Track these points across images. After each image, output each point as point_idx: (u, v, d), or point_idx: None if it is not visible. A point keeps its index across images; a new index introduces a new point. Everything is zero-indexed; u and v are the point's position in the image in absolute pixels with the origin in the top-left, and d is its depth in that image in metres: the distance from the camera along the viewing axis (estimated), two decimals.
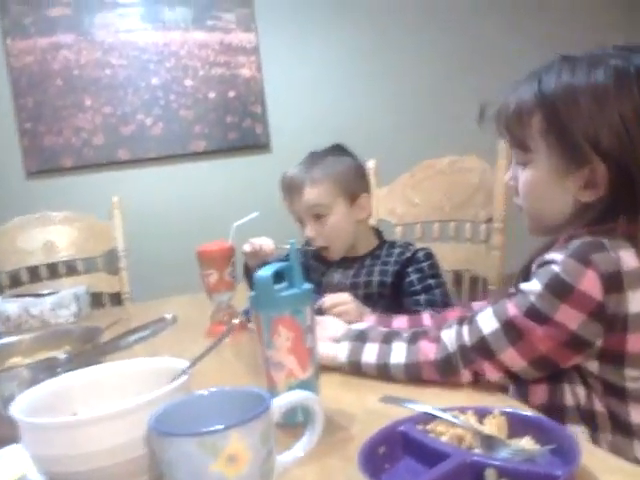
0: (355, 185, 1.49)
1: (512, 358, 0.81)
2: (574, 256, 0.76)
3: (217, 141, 2.57)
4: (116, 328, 1.10)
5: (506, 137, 0.90)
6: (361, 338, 0.95)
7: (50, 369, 0.92)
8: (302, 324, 0.79)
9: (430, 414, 0.70)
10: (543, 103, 0.83)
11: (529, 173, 0.88)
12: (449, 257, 1.81)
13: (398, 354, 0.90)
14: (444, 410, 0.70)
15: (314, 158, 1.49)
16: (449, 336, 0.87)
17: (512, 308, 0.81)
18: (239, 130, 2.58)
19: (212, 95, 2.56)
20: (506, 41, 2.71)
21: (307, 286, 0.82)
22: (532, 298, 0.79)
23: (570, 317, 0.76)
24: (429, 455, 0.64)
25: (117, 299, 2.20)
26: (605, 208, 0.81)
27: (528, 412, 0.70)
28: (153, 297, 1.97)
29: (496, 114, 0.89)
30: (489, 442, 0.64)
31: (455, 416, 0.69)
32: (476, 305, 1.12)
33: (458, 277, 1.85)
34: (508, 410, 0.69)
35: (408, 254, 1.44)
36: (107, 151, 2.48)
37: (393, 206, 1.98)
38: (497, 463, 0.58)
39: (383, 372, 0.91)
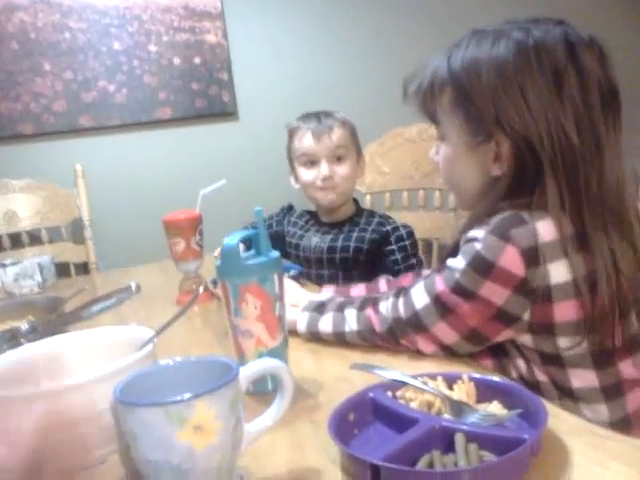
0: (359, 143, 1.58)
1: (444, 332, 0.83)
2: (494, 232, 0.77)
3: (183, 108, 2.51)
4: (81, 298, 1.08)
5: (423, 113, 0.91)
6: (319, 309, 0.96)
7: (13, 339, 0.90)
8: (270, 292, 0.78)
9: (399, 380, 0.71)
10: (451, 77, 0.84)
11: (444, 148, 0.90)
12: (418, 226, 1.81)
13: (351, 321, 0.92)
14: (413, 376, 0.70)
15: (323, 111, 1.54)
16: (386, 308, 0.89)
17: (440, 284, 0.82)
18: (205, 97, 2.52)
19: (177, 61, 2.49)
20: (474, 12, 2.68)
21: (275, 254, 0.81)
22: (457, 275, 0.80)
23: (494, 293, 0.77)
24: (399, 421, 0.64)
25: (84, 269, 2.16)
26: (513, 181, 0.82)
27: (496, 378, 0.71)
28: (121, 266, 1.94)
29: (415, 90, 0.90)
30: (458, 408, 0.65)
31: (424, 382, 0.69)
32: (426, 274, 1.13)
33: (427, 246, 1.86)
34: (477, 376, 0.70)
35: (389, 227, 1.48)
36: (69, 118, 2.40)
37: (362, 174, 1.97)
38: (466, 428, 0.59)
39: (341, 340, 0.93)
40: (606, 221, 0.79)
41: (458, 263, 0.81)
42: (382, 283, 1.17)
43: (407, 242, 1.47)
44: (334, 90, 2.63)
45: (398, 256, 1.46)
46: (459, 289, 0.80)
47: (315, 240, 1.53)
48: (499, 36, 0.81)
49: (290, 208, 1.67)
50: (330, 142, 1.48)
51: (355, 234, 1.49)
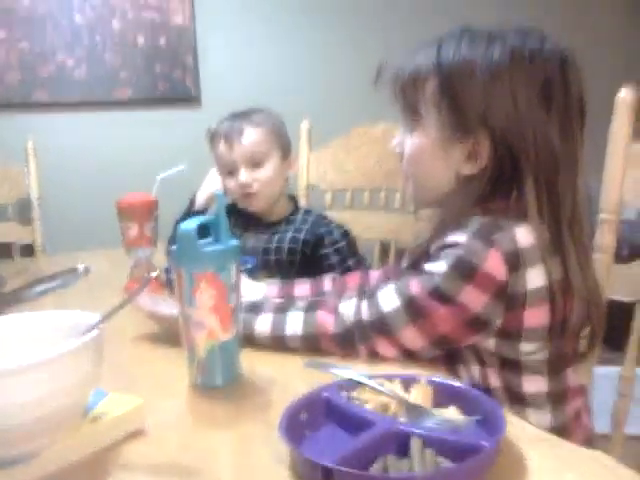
0: (287, 141, 1.52)
1: (411, 337, 0.80)
2: (477, 237, 0.77)
3: (144, 90, 2.44)
4: (22, 279, 1.02)
5: (399, 101, 0.90)
6: (254, 309, 0.91)
7: None
8: (226, 282, 0.75)
9: (355, 380, 0.68)
10: (439, 71, 0.83)
11: (416, 139, 0.88)
12: (377, 226, 1.80)
13: (294, 325, 0.87)
14: (370, 377, 0.68)
15: (246, 111, 1.47)
16: (347, 310, 0.85)
17: (415, 287, 0.80)
18: (168, 80, 2.46)
19: (141, 41, 2.42)
20: (452, 8, 2.69)
21: (233, 242, 0.77)
22: (437, 279, 0.78)
23: (473, 298, 0.77)
24: (353, 423, 0.62)
25: (29, 251, 2.07)
26: (486, 182, 0.82)
27: (455, 382, 0.70)
28: (69, 250, 1.86)
29: (393, 76, 0.89)
30: (414, 411, 0.63)
31: (381, 383, 0.67)
32: (373, 274, 1.12)
33: (385, 247, 1.85)
34: (435, 379, 0.68)
35: (323, 229, 1.45)
36: (22, 91, 2.30)
37: (324, 171, 1.95)
38: (423, 432, 0.57)
39: (279, 343, 0.88)
40: (574, 233, 0.82)
41: (439, 267, 0.79)
42: (327, 281, 1.14)
43: (342, 244, 1.44)
44: (302, 82, 2.61)
45: (334, 259, 1.43)
46: (438, 293, 0.78)
47: (251, 241, 1.49)
48: (494, 39, 0.82)
49: (234, 206, 1.61)
50: (242, 147, 1.42)
51: (289, 235, 1.45)
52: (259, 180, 1.44)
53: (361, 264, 1.45)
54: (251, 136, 1.43)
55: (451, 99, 0.83)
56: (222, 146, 1.45)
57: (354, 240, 1.49)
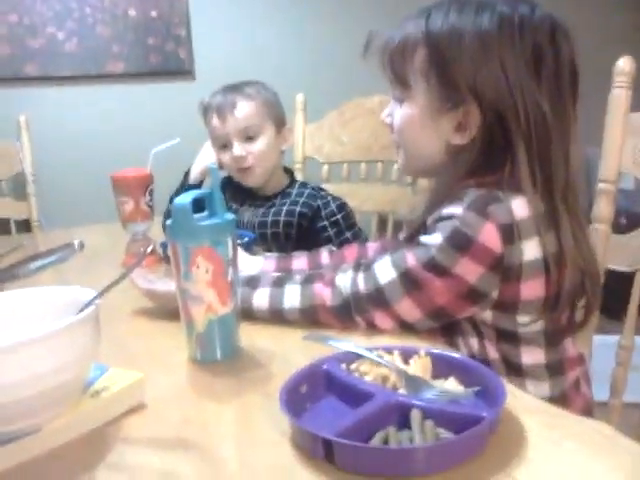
0: (281, 113, 1.49)
1: (408, 308, 0.80)
2: (473, 209, 0.77)
3: (137, 63, 2.41)
4: (19, 255, 1.02)
5: (388, 71, 0.88)
6: (251, 284, 0.90)
7: None
8: (223, 256, 0.75)
9: (354, 353, 0.68)
10: (428, 40, 0.82)
11: (405, 109, 0.88)
12: (374, 198, 1.79)
13: (292, 298, 0.87)
14: (369, 349, 0.68)
15: (238, 83, 1.45)
16: (344, 282, 0.84)
17: (411, 259, 0.79)
18: (161, 53, 2.43)
19: (132, 13, 2.38)
20: None
21: (229, 216, 0.77)
22: (433, 251, 0.78)
23: (469, 270, 0.77)
24: (352, 395, 0.62)
25: (26, 227, 2.06)
26: (478, 156, 0.82)
27: (454, 353, 0.70)
28: (65, 225, 1.85)
29: (381, 46, 0.88)
30: (413, 383, 0.63)
31: (380, 355, 0.68)
32: (371, 246, 1.13)
33: (382, 219, 1.84)
34: (434, 351, 0.68)
35: (319, 202, 1.43)
36: (13, 64, 2.26)
37: (320, 144, 1.93)
38: (423, 404, 0.57)
39: (278, 317, 0.88)
40: (568, 203, 0.81)
41: (434, 239, 0.78)
42: (324, 254, 1.14)
43: (339, 216, 1.43)
44: (296, 55, 2.57)
45: (331, 232, 1.42)
46: (433, 265, 0.77)
47: (247, 215, 1.48)
48: (483, 7, 0.80)
49: (229, 179, 1.59)
50: (235, 120, 1.40)
51: (285, 208, 1.43)
52: (253, 153, 1.42)
53: (358, 236, 1.44)
54: (244, 109, 1.40)
55: (440, 68, 0.81)
56: (215, 120, 1.42)
57: (351, 212, 1.48)
